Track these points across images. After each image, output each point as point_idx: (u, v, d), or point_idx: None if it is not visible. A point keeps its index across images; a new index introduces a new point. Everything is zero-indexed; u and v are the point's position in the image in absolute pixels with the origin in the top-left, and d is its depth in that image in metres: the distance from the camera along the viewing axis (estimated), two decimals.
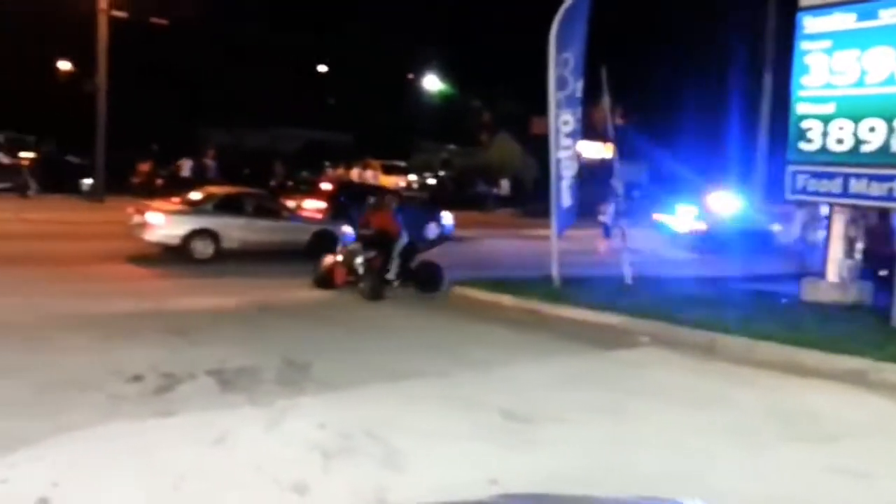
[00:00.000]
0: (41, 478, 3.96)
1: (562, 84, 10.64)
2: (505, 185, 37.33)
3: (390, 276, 10.41)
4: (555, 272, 10.76)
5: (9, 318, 7.58)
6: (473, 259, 14.88)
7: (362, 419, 5.10)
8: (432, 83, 45.94)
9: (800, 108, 9.71)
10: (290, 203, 16.74)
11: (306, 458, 4.43)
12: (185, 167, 27.47)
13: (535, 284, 10.69)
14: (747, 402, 6.11)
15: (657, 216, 18.01)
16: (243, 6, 35.59)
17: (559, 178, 10.84)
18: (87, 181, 24.49)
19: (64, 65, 41.78)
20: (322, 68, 48.39)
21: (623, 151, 11.84)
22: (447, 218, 18.78)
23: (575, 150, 11.01)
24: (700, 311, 8.99)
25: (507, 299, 9.95)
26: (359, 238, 10.44)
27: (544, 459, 4.68)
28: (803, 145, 9.68)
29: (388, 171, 32.65)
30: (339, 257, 10.39)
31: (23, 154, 24.02)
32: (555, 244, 10.90)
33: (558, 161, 10.81)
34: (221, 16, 32.39)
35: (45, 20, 29.93)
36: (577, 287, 10.52)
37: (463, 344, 7.69)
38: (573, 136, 10.83)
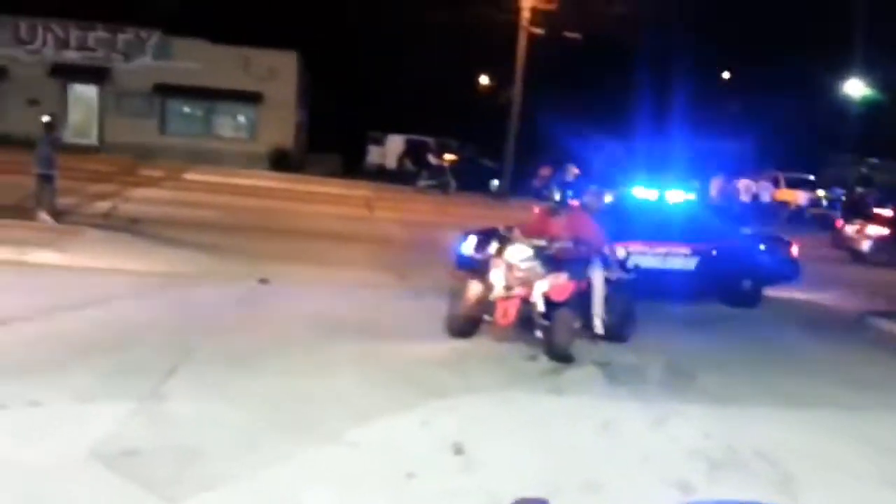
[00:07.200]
0: (454, 426, 4.59)
1: None
2: None
3: (596, 325, 6.63)
4: None
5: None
6: None
7: (751, 437, 4.85)
8: (855, 88, 40.39)
9: None
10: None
11: (691, 462, 4.37)
12: (571, 173, 29.01)
13: None
14: None
15: None
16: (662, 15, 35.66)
17: None
18: (495, 182, 27.41)
19: (483, 79, 47.33)
20: (725, 75, 46.32)
21: None
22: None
23: None
24: None
25: None
26: (537, 252, 6.44)
27: None
28: None
29: (793, 184, 29.75)
30: (500, 284, 6.30)
31: (447, 156, 27.74)
32: None
33: None
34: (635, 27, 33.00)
35: (469, 38, 34.07)
36: None
37: (888, 381, 6.74)
38: None
